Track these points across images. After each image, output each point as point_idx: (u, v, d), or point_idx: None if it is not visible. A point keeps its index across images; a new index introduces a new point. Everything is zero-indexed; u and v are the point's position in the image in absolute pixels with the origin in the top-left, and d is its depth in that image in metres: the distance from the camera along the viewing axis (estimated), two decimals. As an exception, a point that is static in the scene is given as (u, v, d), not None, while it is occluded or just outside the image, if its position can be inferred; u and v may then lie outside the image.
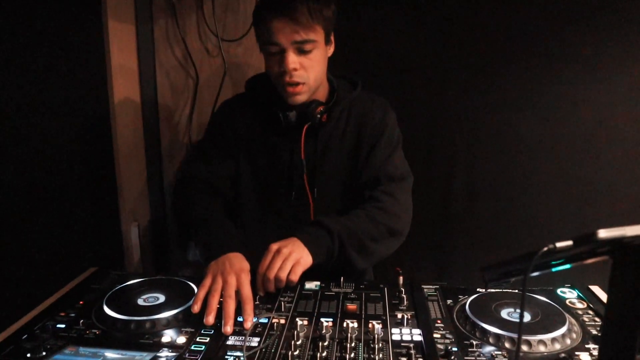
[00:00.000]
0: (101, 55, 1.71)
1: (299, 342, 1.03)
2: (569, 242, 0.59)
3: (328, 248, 1.30)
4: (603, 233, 0.56)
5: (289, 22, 1.27)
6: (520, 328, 0.63)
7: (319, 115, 1.41)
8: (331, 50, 1.43)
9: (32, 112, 1.79)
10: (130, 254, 1.80)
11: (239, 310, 1.14)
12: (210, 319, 1.10)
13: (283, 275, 1.21)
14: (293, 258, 1.23)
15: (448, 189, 1.85)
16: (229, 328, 1.08)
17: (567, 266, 0.72)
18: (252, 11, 1.76)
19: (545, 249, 0.59)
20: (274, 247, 1.25)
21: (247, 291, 1.16)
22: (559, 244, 0.59)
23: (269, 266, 1.22)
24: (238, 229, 1.53)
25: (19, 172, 1.75)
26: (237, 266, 1.21)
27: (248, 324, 1.09)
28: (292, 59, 1.30)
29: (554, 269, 0.76)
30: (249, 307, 1.12)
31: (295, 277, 1.22)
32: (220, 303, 1.14)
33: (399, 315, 1.13)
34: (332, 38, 1.41)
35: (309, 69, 1.34)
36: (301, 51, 1.31)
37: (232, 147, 1.51)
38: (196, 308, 1.14)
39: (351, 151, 1.48)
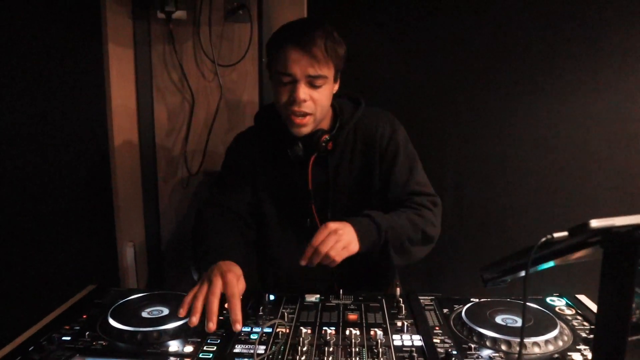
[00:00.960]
0: (100, 79, 1.76)
1: (304, 349, 1.06)
2: (565, 233, 0.65)
3: (374, 242, 1.34)
4: (595, 223, 0.63)
5: (306, 55, 1.31)
6: (524, 316, 0.67)
7: (324, 144, 1.44)
8: (336, 87, 1.47)
9: (32, 135, 1.82)
10: (126, 273, 1.81)
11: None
12: (193, 320, 1.12)
13: (333, 254, 1.24)
14: (345, 241, 1.27)
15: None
16: (211, 324, 1.10)
17: (551, 264, 0.78)
18: (248, 37, 1.88)
19: (544, 239, 0.65)
20: (332, 226, 1.28)
21: (231, 288, 1.15)
22: (556, 235, 0.64)
23: (324, 241, 1.25)
24: (265, 249, 1.59)
25: (17, 192, 1.77)
26: (225, 268, 1.22)
27: (237, 326, 1.11)
28: (304, 91, 1.34)
29: (540, 267, 0.82)
30: (232, 302, 1.13)
31: (339, 259, 1.26)
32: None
33: (399, 323, 1.17)
34: (339, 76, 1.46)
35: (317, 102, 1.38)
36: (312, 85, 1.35)
37: (249, 175, 1.55)
38: (182, 312, 1.16)
39: (361, 173, 1.51)
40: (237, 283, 1.19)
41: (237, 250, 1.38)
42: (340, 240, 1.27)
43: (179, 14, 1.85)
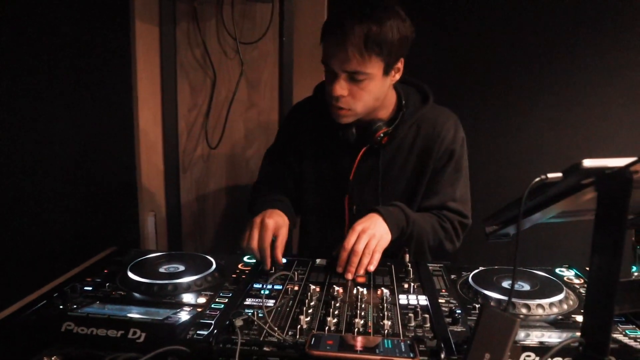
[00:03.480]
0: (127, 54, 1.83)
1: (312, 303, 1.10)
2: (559, 174, 0.67)
3: (403, 229, 1.36)
4: (587, 162, 0.65)
5: (342, 50, 1.22)
6: (514, 260, 0.69)
7: (379, 138, 1.39)
8: (396, 77, 1.36)
9: (62, 108, 1.91)
10: (146, 240, 1.88)
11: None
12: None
13: (365, 261, 1.26)
14: (377, 236, 1.28)
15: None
16: (267, 265, 1.27)
17: (555, 212, 0.80)
18: (269, 16, 1.92)
19: (538, 179, 0.67)
20: (359, 227, 1.28)
21: (281, 238, 1.29)
22: (550, 175, 0.67)
23: (354, 248, 1.25)
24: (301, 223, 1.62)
25: (49, 164, 1.87)
26: (275, 215, 1.32)
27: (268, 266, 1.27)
28: (341, 86, 1.27)
29: (544, 219, 0.84)
30: (278, 249, 1.28)
31: (377, 258, 1.27)
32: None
33: (406, 285, 1.20)
34: (400, 65, 1.33)
35: (357, 98, 1.30)
36: (353, 79, 1.27)
37: (298, 149, 1.53)
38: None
39: (415, 170, 1.46)
40: (283, 231, 1.30)
41: (284, 202, 1.44)
42: (373, 237, 1.27)
43: (203, -8, 1.91)
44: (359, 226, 1.29)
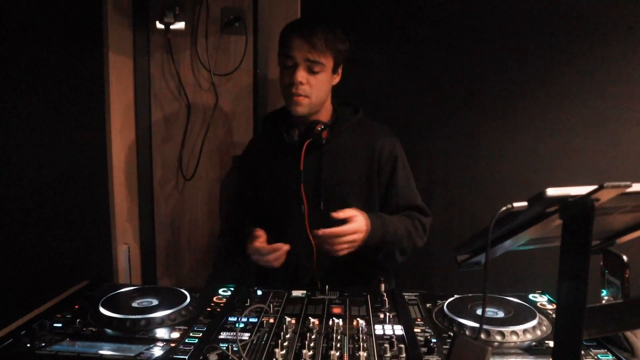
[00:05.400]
0: (100, 85, 1.83)
1: (287, 336, 1.09)
2: (524, 203, 0.69)
3: (375, 243, 1.48)
4: (551, 191, 0.67)
5: (306, 42, 1.48)
6: (484, 290, 0.71)
7: (319, 130, 1.55)
8: (337, 79, 1.60)
9: (35, 139, 1.90)
10: (120, 273, 1.84)
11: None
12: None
13: (337, 248, 1.41)
14: (356, 244, 1.43)
15: (428, 201, 1.95)
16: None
17: (524, 239, 0.81)
18: (243, 49, 1.95)
19: (504, 208, 0.69)
20: (364, 227, 1.44)
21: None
22: (515, 204, 0.68)
23: (345, 238, 1.40)
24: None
25: (22, 196, 1.84)
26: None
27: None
28: (301, 74, 1.49)
29: (515, 247, 0.85)
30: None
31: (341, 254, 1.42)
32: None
33: (381, 315, 1.21)
34: (340, 70, 1.59)
35: (313, 87, 1.51)
36: (310, 70, 1.50)
37: (251, 175, 1.70)
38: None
39: (362, 173, 1.61)
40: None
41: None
42: (356, 242, 1.42)
43: (178, 25, 1.93)
44: (364, 226, 1.43)
